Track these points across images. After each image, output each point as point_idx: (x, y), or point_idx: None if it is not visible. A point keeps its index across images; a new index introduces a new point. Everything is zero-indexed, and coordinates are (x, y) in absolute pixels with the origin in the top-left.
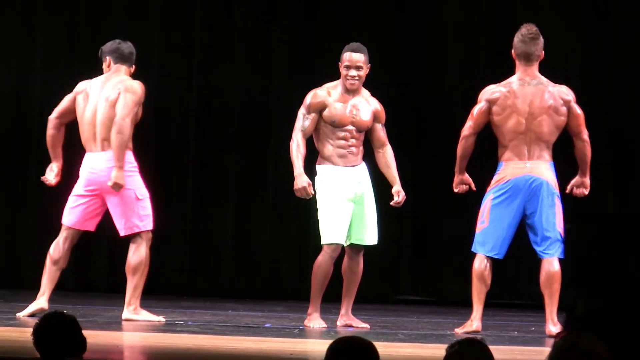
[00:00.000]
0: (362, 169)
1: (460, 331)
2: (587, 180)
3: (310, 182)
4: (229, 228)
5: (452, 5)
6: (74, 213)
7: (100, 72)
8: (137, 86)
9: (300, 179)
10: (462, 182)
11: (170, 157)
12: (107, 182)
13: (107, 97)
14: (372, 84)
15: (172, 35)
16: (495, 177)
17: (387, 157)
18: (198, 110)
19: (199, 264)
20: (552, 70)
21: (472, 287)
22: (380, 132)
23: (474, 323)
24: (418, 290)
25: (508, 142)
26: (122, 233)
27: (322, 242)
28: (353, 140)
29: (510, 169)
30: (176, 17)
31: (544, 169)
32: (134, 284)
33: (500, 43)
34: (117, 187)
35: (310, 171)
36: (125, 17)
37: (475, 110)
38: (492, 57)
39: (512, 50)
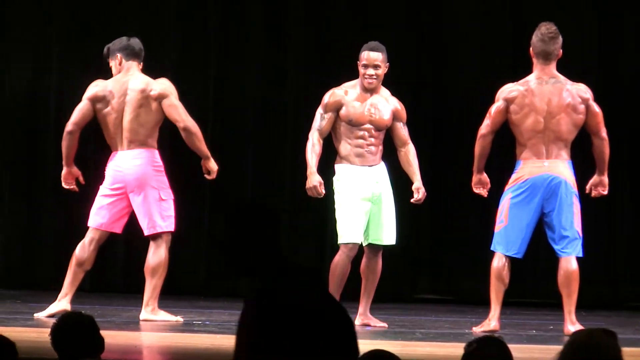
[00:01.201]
0: (381, 168)
1: (478, 330)
2: (605, 179)
3: (322, 182)
4: None
5: (470, 4)
6: (101, 214)
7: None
8: (166, 83)
9: (312, 178)
10: (480, 181)
11: (186, 157)
12: (133, 180)
13: (133, 100)
14: (389, 83)
15: (187, 36)
16: (514, 176)
17: (410, 156)
18: (214, 111)
19: (216, 265)
20: (568, 69)
21: (491, 286)
22: (401, 130)
23: (492, 322)
24: (436, 289)
25: (526, 141)
26: (145, 232)
27: (338, 242)
28: (372, 140)
29: (529, 168)
30: (191, 18)
31: (562, 168)
32: (152, 285)
33: (518, 41)
34: (214, 173)
35: (329, 170)
36: (140, 17)
37: (493, 109)
38: (509, 55)
39: (531, 49)
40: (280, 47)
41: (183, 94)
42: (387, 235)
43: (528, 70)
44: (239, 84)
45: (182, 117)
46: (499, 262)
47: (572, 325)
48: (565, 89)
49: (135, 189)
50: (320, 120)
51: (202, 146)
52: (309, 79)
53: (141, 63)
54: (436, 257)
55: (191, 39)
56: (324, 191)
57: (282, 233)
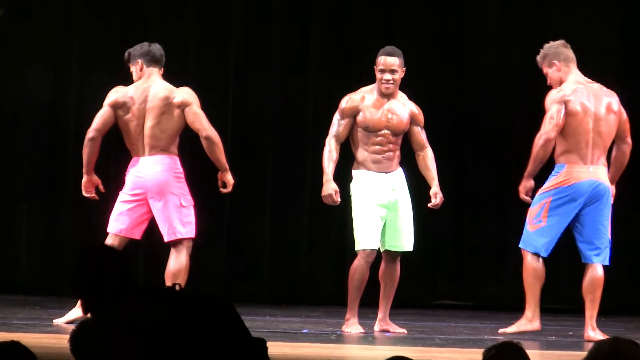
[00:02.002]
0: (398, 174)
1: (509, 331)
2: (614, 189)
3: (338, 190)
4: (266, 233)
5: (491, 7)
6: (120, 220)
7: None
8: (189, 92)
9: (328, 186)
10: (526, 187)
11: (206, 162)
12: (153, 186)
13: (155, 107)
14: (409, 87)
15: (207, 42)
16: (556, 179)
17: (427, 160)
18: (234, 116)
19: (236, 270)
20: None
21: (528, 286)
22: (419, 134)
23: (535, 322)
24: (456, 295)
25: (572, 145)
26: (165, 239)
27: (356, 248)
28: (390, 145)
29: (575, 173)
30: (211, 24)
31: (604, 174)
32: None
33: (537, 46)
34: (230, 186)
35: (346, 176)
36: (160, 23)
37: (559, 112)
38: (528, 60)
39: (552, 61)
40: (302, 52)
41: (203, 101)
42: (405, 241)
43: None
44: (259, 91)
45: (204, 126)
46: (536, 262)
47: (593, 332)
48: (605, 93)
49: (155, 195)
50: (337, 126)
51: (222, 157)
52: (330, 86)
53: (162, 69)
54: (455, 262)
55: (211, 44)
56: (339, 199)
57: (131, 268)
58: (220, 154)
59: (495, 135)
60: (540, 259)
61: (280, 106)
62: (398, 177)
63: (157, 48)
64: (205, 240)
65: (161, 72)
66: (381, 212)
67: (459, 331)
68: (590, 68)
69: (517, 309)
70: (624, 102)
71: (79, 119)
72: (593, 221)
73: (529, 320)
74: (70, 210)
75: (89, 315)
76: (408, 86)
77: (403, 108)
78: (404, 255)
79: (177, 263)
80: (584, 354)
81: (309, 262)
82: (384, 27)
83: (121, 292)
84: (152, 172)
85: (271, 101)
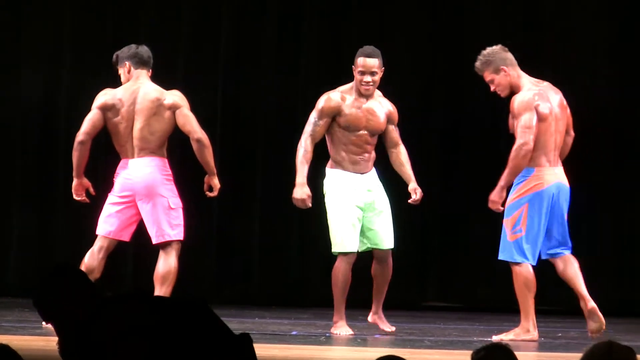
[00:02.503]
0: (372, 175)
1: (507, 338)
2: None
3: (310, 195)
4: (255, 235)
5: (486, 8)
6: (109, 222)
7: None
8: (179, 94)
9: (301, 190)
10: (502, 198)
11: (196, 164)
12: (142, 188)
13: (145, 109)
14: (403, 85)
15: (197, 44)
16: (528, 184)
17: (402, 157)
18: (224, 116)
19: (225, 272)
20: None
21: (522, 297)
22: (394, 132)
23: (534, 332)
24: (445, 296)
25: (540, 148)
26: (154, 241)
27: (333, 251)
28: (367, 146)
29: (544, 176)
30: (201, 23)
31: (564, 174)
32: (162, 293)
33: (528, 48)
34: (216, 190)
35: (320, 174)
36: (151, 24)
37: (533, 120)
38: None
39: (503, 66)
40: (293, 52)
41: (192, 101)
42: (385, 240)
43: (538, 76)
44: (250, 90)
45: (195, 129)
46: (526, 271)
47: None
48: (554, 90)
49: (144, 197)
50: (313, 125)
51: (211, 161)
52: (320, 85)
53: (150, 71)
54: (445, 264)
55: (201, 50)
56: (310, 204)
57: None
58: (209, 157)
59: (484, 138)
60: (530, 267)
61: (271, 106)
62: (373, 178)
63: (144, 50)
64: (194, 241)
65: (149, 74)
66: (358, 213)
67: (448, 333)
68: (586, 66)
69: (506, 311)
70: (617, 99)
71: (70, 120)
72: (560, 219)
73: (527, 331)
74: (61, 212)
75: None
76: (401, 84)
77: (380, 108)
78: (395, 257)
79: (165, 265)
80: (578, 355)
81: (299, 264)
82: (377, 27)
83: (87, 311)
84: (141, 174)
85: (261, 100)
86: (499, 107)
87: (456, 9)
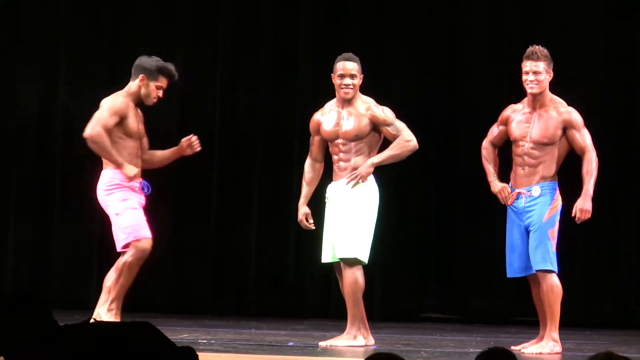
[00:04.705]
0: (338, 184)
1: (535, 352)
2: None
3: (308, 212)
4: (252, 247)
5: (483, 10)
6: (145, 225)
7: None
8: (106, 99)
9: (299, 211)
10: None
11: (194, 177)
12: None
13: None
14: (402, 88)
15: (195, 57)
16: (557, 199)
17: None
18: (221, 128)
19: (222, 283)
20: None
21: (556, 307)
22: (388, 133)
23: (559, 344)
24: (443, 308)
25: (560, 163)
26: (117, 250)
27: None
28: (341, 155)
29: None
30: (199, 38)
31: None
32: (117, 284)
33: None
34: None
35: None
36: (148, 33)
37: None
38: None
39: (551, 68)
40: (291, 63)
41: (191, 115)
42: (338, 249)
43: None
44: (247, 102)
45: (87, 127)
46: (558, 281)
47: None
48: None
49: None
50: (310, 145)
51: (108, 155)
52: (317, 100)
53: (136, 79)
54: (442, 276)
55: (199, 62)
56: (309, 223)
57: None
58: (103, 153)
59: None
60: None
61: (268, 117)
62: (336, 187)
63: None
64: (191, 252)
65: (131, 82)
66: (328, 224)
67: (445, 344)
68: (581, 65)
69: (503, 323)
70: (612, 104)
71: (66, 130)
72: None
73: (557, 341)
74: (59, 222)
75: None
76: (401, 87)
77: (359, 115)
78: (390, 268)
79: (114, 266)
80: None
81: (295, 275)
82: (372, 49)
83: (43, 341)
84: (99, 185)
85: (257, 116)
86: (499, 107)
87: (452, 12)
